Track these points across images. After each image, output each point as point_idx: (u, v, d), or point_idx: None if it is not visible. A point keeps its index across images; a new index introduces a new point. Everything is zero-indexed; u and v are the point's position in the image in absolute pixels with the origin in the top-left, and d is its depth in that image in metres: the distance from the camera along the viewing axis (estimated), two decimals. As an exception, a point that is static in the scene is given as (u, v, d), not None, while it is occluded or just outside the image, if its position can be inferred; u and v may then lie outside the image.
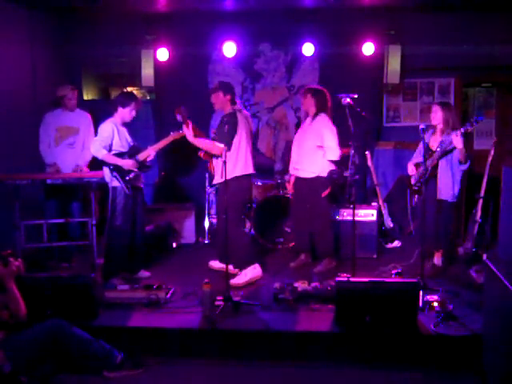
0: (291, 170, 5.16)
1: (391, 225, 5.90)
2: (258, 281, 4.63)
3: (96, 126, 4.91)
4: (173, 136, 4.68)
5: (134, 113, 4.62)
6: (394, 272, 4.63)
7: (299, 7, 6.09)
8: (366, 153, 5.95)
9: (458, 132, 4.30)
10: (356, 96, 4.46)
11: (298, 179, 5.06)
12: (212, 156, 4.73)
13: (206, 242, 6.13)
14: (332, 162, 4.85)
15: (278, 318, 3.85)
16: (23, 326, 3.19)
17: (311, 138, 4.88)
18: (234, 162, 4.56)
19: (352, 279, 3.78)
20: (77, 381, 3.33)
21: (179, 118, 4.55)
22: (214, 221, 6.25)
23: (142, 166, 4.60)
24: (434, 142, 4.66)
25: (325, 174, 4.85)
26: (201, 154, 4.84)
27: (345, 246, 5.27)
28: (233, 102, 4.66)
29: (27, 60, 5.70)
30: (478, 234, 5.08)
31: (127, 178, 4.50)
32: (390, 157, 6.64)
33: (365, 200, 6.28)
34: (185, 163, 6.76)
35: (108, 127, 4.51)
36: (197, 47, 6.36)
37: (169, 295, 4.17)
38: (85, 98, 6.81)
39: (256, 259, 4.71)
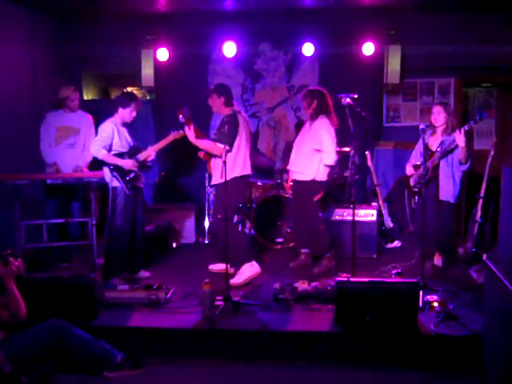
0: (289, 172, 5.19)
1: (391, 225, 5.90)
2: (258, 281, 4.63)
3: (96, 126, 4.91)
4: (173, 136, 4.68)
5: (134, 113, 4.62)
6: (393, 272, 4.63)
7: (299, 7, 6.09)
8: (366, 153, 5.95)
9: (462, 130, 4.29)
10: (356, 96, 4.45)
11: (294, 181, 5.07)
12: (211, 156, 4.74)
13: (206, 242, 6.13)
14: (327, 166, 4.84)
15: (278, 318, 3.85)
16: (23, 326, 3.19)
17: (309, 141, 4.87)
18: (233, 162, 4.57)
19: (352, 279, 3.78)
20: (77, 381, 3.33)
21: (181, 119, 4.56)
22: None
23: (142, 166, 4.60)
24: (434, 142, 4.66)
25: (320, 178, 4.84)
26: (200, 155, 4.85)
27: (345, 246, 5.28)
28: (228, 104, 4.67)
29: (27, 60, 5.70)
30: (478, 234, 5.08)
31: (127, 178, 4.50)
32: (389, 157, 6.64)
33: (365, 200, 6.28)
34: (185, 163, 6.76)
35: (108, 127, 4.51)
36: (197, 47, 6.36)
37: (169, 295, 4.17)
38: (85, 98, 6.81)
39: (252, 257, 4.71)
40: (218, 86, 4.78)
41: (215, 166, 4.67)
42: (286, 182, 5.38)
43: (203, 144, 4.66)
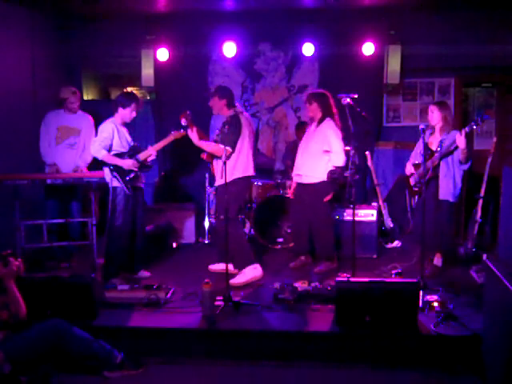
0: (294, 177, 5.14)
1: (391, 225, 5.90)
2: (258, 281, 4.63)
3: (96, 126, 4.91)
4: (173, 136, 4.68)
5: (134, 113, 4.61)
6: (393, 272, 4.64)
7: (299, 7, 6.10)
8: (366, 153, 5.95)
9: (463, 131, 4.28)
10: (356, 96, 4.45)
11: (301, 185, 5.05)
12: (213, 158, 4.73)
13: (206, 241, 6.13)
14: (336, 167, 4.83)
15: (278, 317, 3.85)
16: (23, 325, 3.19)
17: (317, 143, 4.86)
18: (235, 163, 4.56)
19: (352, 279, 3.78)
20: (77, 381, 3.33)
21: (184, 122, 4.56)
22: (214, 221, 6.25)
23: (142, 166, 4.60)
24: (433, 141, 4.66)
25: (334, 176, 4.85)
26: (203, 156, 4.84)
27: (345, 245, 5.27)
28: (230, 106, 4.65)
29: (27, 60, 5.70)
30: (478, 234, 5.08)
31: (127, 178, 4.50)
32: (389, 157, 6.64)
33: (365, 200, 6.29)
34: (185, 163, 6.76)
35: (108, 127, 4.50)
36: (197, 47, 6.37)
37: (169, 295, 4.16)
38: (85, 98, 6.81)
39: (256, 259, 4.71)
40: (220, 89, 4.76)
41: (218, 167, 4.67)
42: (289, 187, 5.35)
43: (207, 146, 4.66)
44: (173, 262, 5.48)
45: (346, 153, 4.84)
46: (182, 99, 6.53)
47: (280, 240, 5.78)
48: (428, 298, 3.95)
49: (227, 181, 4.21)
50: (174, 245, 5.98)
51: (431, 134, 4.70)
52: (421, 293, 3.81)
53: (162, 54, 6.24)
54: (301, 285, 4.18)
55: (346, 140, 4.84)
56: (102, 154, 4.45)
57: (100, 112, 5.34)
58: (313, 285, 4.19)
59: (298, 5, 6.02)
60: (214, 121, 6.66)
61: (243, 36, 6.27)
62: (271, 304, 4.05)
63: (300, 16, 6.21)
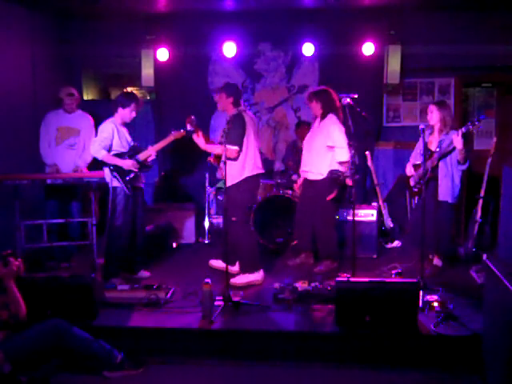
0: (301, 173, 5.15)
1: (391, 225, 5.90)
2: (259, 284, 4.61)
3: (96, 126, 4.91)
4: (173, 136, 4.68)
5: (134, 113, 4.61)
6: (394, 272, 4.64)
7: (299, 7, 6.09)
8: (366, 153, 5.95)
9: (459, 132, 4.29)
10: (356, 96, 4.45)
11: (307, 181, 5.05)
12: (221, 160, 4.68)
13: (206, 241, 6.13)
14: (341, 163, 4.80)
15: (278, 318, 3.85)
16: (23, 326, 3.19)
17: (321, 139, 4.86)
18: (244, 162, 4.49)
19: (352, 279, 3.78)
20: (77, 381, 3.33)
21: (189, 127, 4.53)
22: (214, 221, 6.25)
23: (142, 166, 4.60)
24: (433, 141, 4.66)
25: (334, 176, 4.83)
26: (210, 159, 4.83)
27: (345, 246, 5.28)
28: (236, 104, 4.61)
29: (27, 60, 5.70)
30: (478, 234, 5.08)
31: (127, 178, 4.50)
32: (389, 157, 6.64)
33: (365, 200, 6.29)
34: (185, 163, 6.76)
35: (108, 127, 4.50)
36: (197, 47, 6.36)
37: (169, 295, 4.17)
38: (85, 98, 6.81)
39: (261, 265, 4.66)
40: (228, 86, 4.67)
41: (228, 167, 4.57)
42: (296, 182, 5.33)
43: (214, 149, 4.64)
44: (173, 261, 5.48)
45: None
46: (182, 99, 6.53)
47: (280, 240, 5.78)
48: (428, 297, 3.95)
49: (238, 180, 4.18)
50: (174, 245, 5.98)
51: (430, 133, 4.70)
52: (421, 293, 3.81)
53: (162, 54, 6.24)
54: (301, 285, 4.18)
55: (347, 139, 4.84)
56: (101, 154, 4.45)
57: (100, 112, 5.34)
58: (313, 285, 4.19)
59: (298, 5, 6.01)
60: (213, 121, 6.66)
61: (243, 36, 6.26)
62: (271, 304, 4.05)
63: (300, 16, 6.21)
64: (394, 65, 6.13)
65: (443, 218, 4.65)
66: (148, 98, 6.78)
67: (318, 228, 5.01)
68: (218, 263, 4.94)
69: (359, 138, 4.86)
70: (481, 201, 5.15)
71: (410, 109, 6.61)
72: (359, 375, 3.42)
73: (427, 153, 4.50)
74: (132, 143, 4.65)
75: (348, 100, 4.39)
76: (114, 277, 4.53)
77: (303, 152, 5.11)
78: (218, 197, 6.29)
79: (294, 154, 6.15)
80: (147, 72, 6.28)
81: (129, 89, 6.91)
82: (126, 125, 4.66)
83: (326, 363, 3.52)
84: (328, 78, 6.33)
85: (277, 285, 4.24)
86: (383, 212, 5.91)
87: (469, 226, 5.28)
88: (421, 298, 3.80)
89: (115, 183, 4.51)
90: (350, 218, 5.22)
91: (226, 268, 4.10)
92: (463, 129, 4.28)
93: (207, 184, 6.22)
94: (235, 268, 4.74)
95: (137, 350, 3.54)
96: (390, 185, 6.60)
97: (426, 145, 4.39)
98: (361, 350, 3.55)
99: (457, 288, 4.33)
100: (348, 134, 4.68)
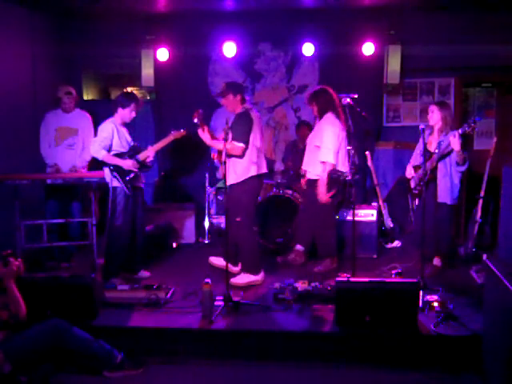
0: (302, 172, 5.18)
1: (391, 225, 5.90)
2: (259, 284, 4.61)
3: (96, 126, 4.91)
4: (173, 136, 4.68)
5: (133, 113, 4.61)
6: (393, 272, 4.63)
7: (299, 7, 6.10)
8: (366, 153, 5.95)
9: (456, 133, 4.29)
10: (356, 96, 4.45)
11: (308, 180, 5.06)
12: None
13: (206, 241, 6.13)
14: (322, 162, 4.75)
15: (278, 318, 3.85)
16: (23, 326, 3.19)
17: (313, 138, 4.90)
18: (249, 160, 4.45)
19: (352, 279, 3.78)
20: (77, 381, 3.33)
21: (197, 121, 4.43)
22: (214, 221, 6.25)
23: (142, 166, 4.60)
24: (432, 142, 4.66)
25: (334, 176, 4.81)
26: (214, 156, 4.81)
27: (345, 245, 5.28)
28: (243, 101, 4.57)
29: (27, 60, 5.70)
30: (478, 234, 5.08)
31: (127, 178, 4.50)
32: (389, 157, 6.63)
33: (365, 200, 6.29)
34: (185, 163, 6.76)
35: (108, 127, 4.50)
36: (197, 47, 6.37)
37: (169, 295, 4.17)
38: (85, 98, 6.81)
39: (262, 266, 4.66)
40: (233, 85, 4.62)
41: (230, 165, 4.50)
42: (303, 177, 5.28)
43: (220, 145, 4.60)
44: (173, 261, 5.48)
45: (347, 152, 4.80)
46: (182, 99, 6.54)
47: (280, 240, 5.78)
48: (428, 297, 3.95)
49: (243, 179, 4.17)
50: (174, 245, 5.98)
51: (430, 134, 4.70)
52: (421, 293, 3.81)
53: (162, 54, 6.24)
54: (301, 285, 4.18)
55: (346, 140, 4.83)
56: (101, 155, 4.45)
57: (100, 112, 5.34)
58: (313, 285, 4.19)
59: (298, 5, 6.02)
60: (213, 121, 6.66)
61: (243, 36, 6.27)
62: (271, 304, 4.05)
63: (300, 16, 6.21)
64: (393, 65, 6.14)
65: (443, 219, 4.64)
66: (148, 97, 6.78)
67: (317, 227, 5.01)
68: (218, 261, 4.90)
69: (359, 138, 4.86)
70: (481, 201, 5.15)
71: (409, 109, 6.61)
72: (359, 375, 3.42)
73: (427, 154, 4.50)
74: (132, 143, 4.65)
75: (348, 100, 4.39)
76: (114, 277, 4.53)
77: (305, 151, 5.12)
78: (218, 197, 6.30)
79: (294, 154, 6.16)
80: (147, 72, 6.29)
81: (129, 89, 6.91)
82: (125, 125, 4.66)
83: (326, 363, 3.52)
84: (328, 78, 6.33)
85: (277, 285, 4.24)
86: (383, 212, 5.91)
87: (469, 226, 5.28)
88: (421, 298, 3.80)
89: (115, 183, 4.51)
90: (349, 218, 5.23)
91: (227, 267, 4.10)
92: (460, 130, 4.27)
93: (207, 184, 6.22)
94: (236, 268, 4.74)
95: (137, 350, 3.54)
96: (389, 185, 6.60)
97: (425, 145, 4.39)
98: (361, 350, 3.55)
99: (457, 288, 4.33)
100: (348, 134, 4.68)
